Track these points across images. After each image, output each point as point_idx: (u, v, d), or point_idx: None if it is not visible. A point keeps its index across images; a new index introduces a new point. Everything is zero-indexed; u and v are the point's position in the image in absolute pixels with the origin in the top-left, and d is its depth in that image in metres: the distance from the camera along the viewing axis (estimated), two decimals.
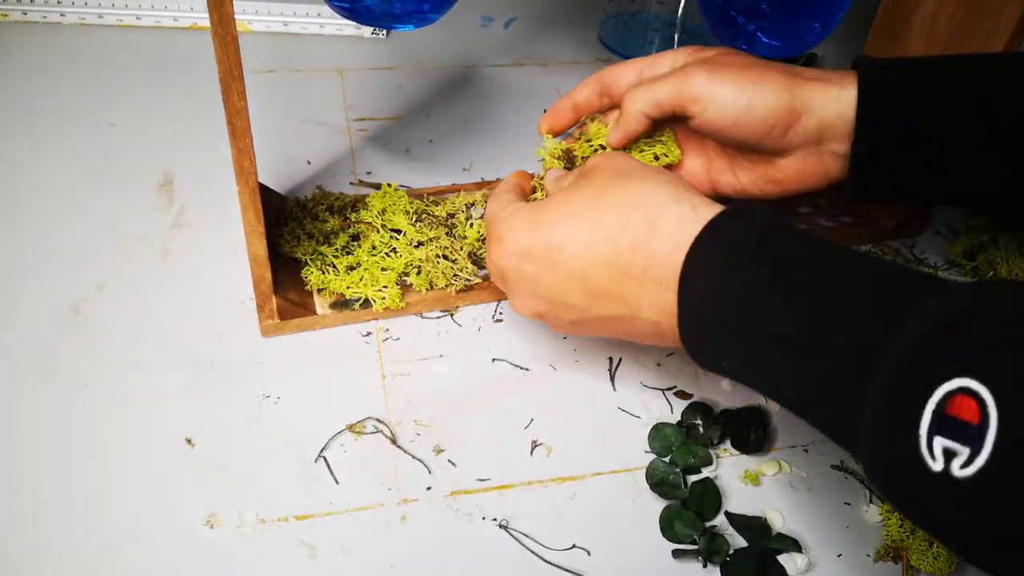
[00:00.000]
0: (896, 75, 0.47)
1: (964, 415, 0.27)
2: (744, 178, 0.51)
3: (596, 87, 0.53)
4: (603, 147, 0.51)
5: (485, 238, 0.53)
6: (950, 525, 0.29)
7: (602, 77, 0.53)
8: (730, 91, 0.47)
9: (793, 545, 0.43)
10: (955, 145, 0.46)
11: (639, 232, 0.40)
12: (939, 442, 0.28)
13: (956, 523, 0.28)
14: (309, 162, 0.65)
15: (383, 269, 0.53)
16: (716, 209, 0.40)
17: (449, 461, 0.46)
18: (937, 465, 0.28)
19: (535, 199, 0.51)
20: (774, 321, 0.35)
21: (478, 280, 0.54)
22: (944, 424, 0.28)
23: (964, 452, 0.27)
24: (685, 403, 0.50)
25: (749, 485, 0.46)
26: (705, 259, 0.38)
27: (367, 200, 0.58)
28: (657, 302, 0.40)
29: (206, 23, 0.79)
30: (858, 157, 0.47)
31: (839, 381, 0.33)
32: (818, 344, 0.34)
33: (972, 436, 0.27)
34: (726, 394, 0.51)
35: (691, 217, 0.40)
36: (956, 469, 0.27)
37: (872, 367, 0.31)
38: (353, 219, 0.57)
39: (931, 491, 0.28)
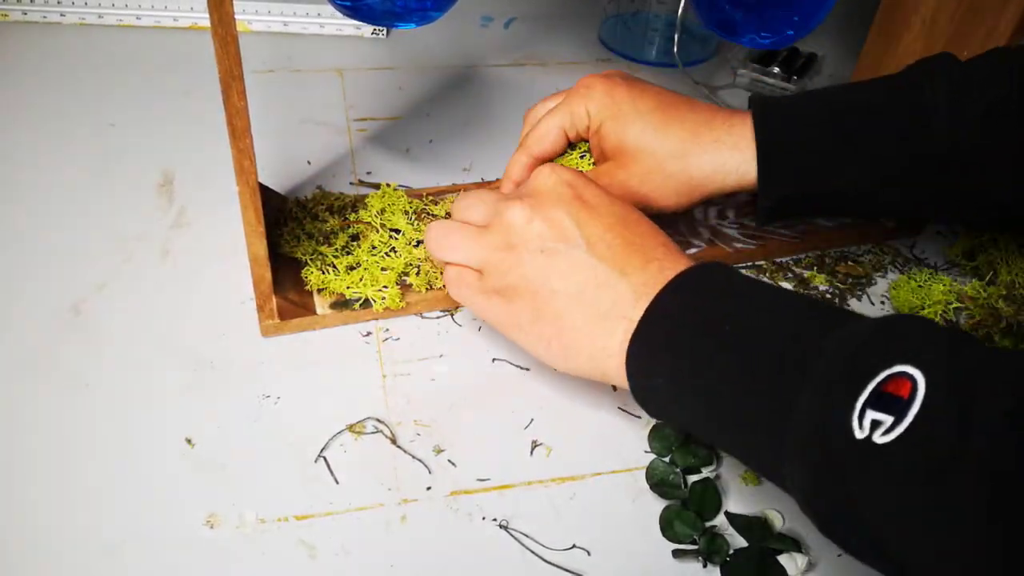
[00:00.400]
0: (790, 129, 0.50)
1: (897, 391, 0.31)
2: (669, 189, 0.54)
3: (528, 163, 0.55)
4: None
5: None
6: (861, 489, 0.31)
7: (531, 152, 0.55)
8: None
9: (793, 545, 0.43)
10: (853, 186, 0.50)
11: (582, 342, 0.43)
12: (869, 415, 0.31)
13: (867, 486, 0.31)
14: (309, 162, 0.65)
15: (383, 269, 0.53)
16: (637, 312, 0.41)
17: (449, 461, 0.46)
18: (862, 433, 0.31)
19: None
20: (714, 332, 0.38)
21: None
22: (878, 399, 0.31)
23: (888, 421, 0.30)
24: None
25: (749, 485, 0.46)
26: (644, 361, 0.41)
27: (367, 200, 0.58)
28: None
29: (206, 23, 0.79)
30: (765, 209, 0.52)
31: (773, 377, 0.35)
32: (757, 345, 0.37)
33: (899, 408, 0.30)
34: None
35: (624, 323, 0.41)
36: (878, 436, 0.30)
37: (816, 356, 0.34)
38: (353, 219, 0.57)
39: (851, 456, 0.31)
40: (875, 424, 0.30)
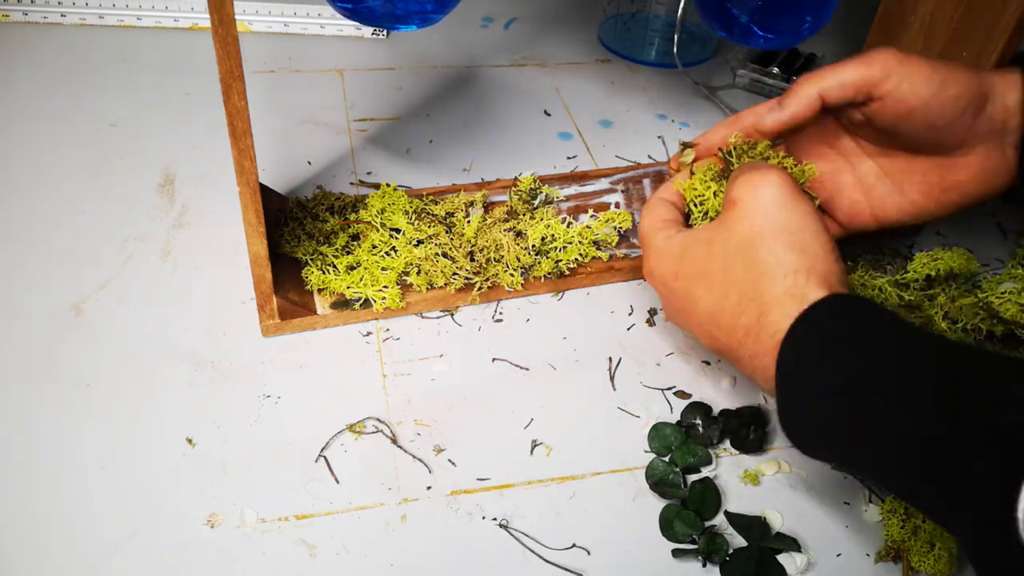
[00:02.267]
0: None
1: None
2: (915, 192, 0.48)
3: (734, 130, 0.49)
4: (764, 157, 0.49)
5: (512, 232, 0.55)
6: None
7: (740, 122, 0.49)
8: (923, 68, 0.44)
9: (793, 545, 0.43)
10: None
11: (751, 322, 0.41)
12: None
13: None
14: (309, 162, 0.65)
15: (383, 269, 0.54)
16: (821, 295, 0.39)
17: (449, 461, 0.46)
18: None
19: (691, 212, 0.49)
20: (876, 408, 0.35)
21: (476, 278, 0.54)
22: None
23: None
24: (685, 403, 0.50)
25: (749, 485, 0.46)
26: (797, 356, 0.38)
27: (367, 200, 0.58)
28: (765, 381, 0.41)
29: (206, 23, 0.79)
30: None
31: (949, 448, 0.32)
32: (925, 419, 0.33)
33: None
34: (725, 394, 0.51)
35: (794, 312, 0.39)
36: None
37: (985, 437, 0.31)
38: (353, 219, 0.57)
39: (1014, 564, 0.28)
40: None
